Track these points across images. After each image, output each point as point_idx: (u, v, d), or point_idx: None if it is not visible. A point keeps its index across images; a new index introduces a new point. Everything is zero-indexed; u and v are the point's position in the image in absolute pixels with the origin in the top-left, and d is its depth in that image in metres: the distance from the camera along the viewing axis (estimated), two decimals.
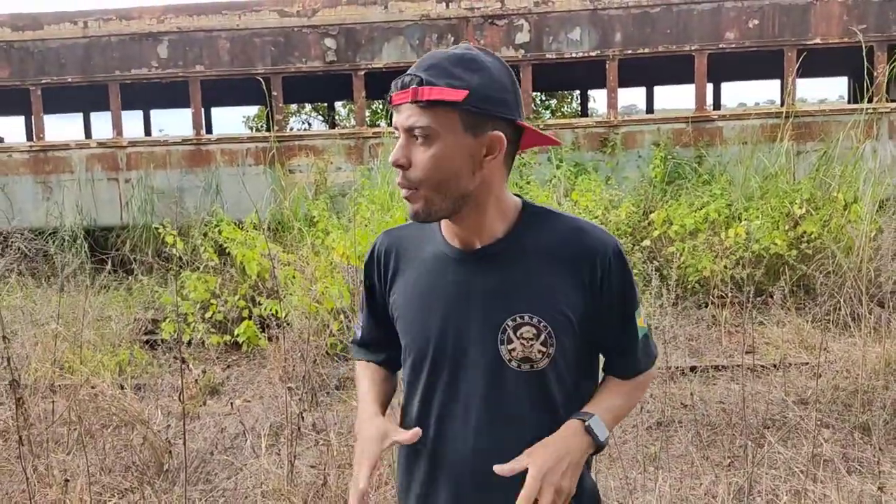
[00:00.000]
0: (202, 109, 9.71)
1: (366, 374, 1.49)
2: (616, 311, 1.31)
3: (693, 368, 4.92)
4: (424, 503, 1.35)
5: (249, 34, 9.14)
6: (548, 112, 17.66)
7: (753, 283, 5.96)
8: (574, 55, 8.96)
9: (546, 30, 8.96)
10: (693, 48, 8.77)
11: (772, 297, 5.01)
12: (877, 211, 6.45)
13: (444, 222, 1.30)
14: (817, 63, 10.76)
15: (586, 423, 1.25)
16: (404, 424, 1.39)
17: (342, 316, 4.95)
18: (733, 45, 8.80)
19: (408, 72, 1.19)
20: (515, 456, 1.23)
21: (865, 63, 8.22)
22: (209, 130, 12.44)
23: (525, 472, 1.20)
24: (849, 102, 12.69)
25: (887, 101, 9.11)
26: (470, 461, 1.28)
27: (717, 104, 14.49)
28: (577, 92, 16.75)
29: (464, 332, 1.27)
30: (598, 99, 19.27)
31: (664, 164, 8.33)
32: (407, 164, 1.20)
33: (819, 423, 3.88)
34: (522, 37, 8.99)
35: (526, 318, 1.24)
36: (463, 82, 1.16)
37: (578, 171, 8.45)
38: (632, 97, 65.40)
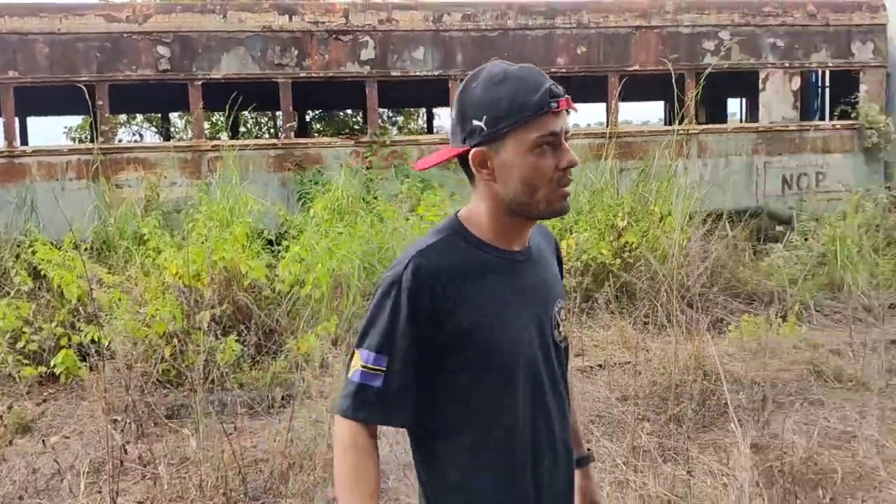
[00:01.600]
0: (16, 119, 8.80)
1: (367, 467, 1.27)
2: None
3: None
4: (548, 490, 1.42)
5: (72, 39, 8.43)
6: (395, 128, 17.90)
7: (582, 290, 6.39)
8: (418, 74, 9.16)
9: (391, 48, 9.08)
10: None
11: (597, 302, 5.39)
12: (687, 222, 7.16)
13: (496, 227, 1.37)
14: (638, 88, 11.79)
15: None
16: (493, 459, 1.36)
17: (175, 340, 4.67)
18: (564, 70, 9.42)
19: (548, 82, 1.32)
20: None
21: (676, 89, 9.13)
22: (24, 142, 11.30)
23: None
24: (665, 125, 14.00)
25: (697, 123, 10.17)
26: (560, 438, 1.44)
27: None
28: (424, 109, 17.15)
29: (540, 324, 1.40)
30: (443, 116, 19.81)
31: None
32: None
33: (638, 416, 4.21)
34: (368, 53, 9.04)
35: (560, 302, 1.47)
36: None
37: (425, 187, 8.62)
38: None
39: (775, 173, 10.03)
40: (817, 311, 6.92)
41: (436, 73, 9.13)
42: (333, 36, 8.98)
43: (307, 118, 17.18)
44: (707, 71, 8.96)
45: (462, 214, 1.40)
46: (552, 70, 9.32)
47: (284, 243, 6.68)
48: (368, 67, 9.02)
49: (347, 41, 8.99)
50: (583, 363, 5.08)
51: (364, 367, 1.28)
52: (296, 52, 8.88)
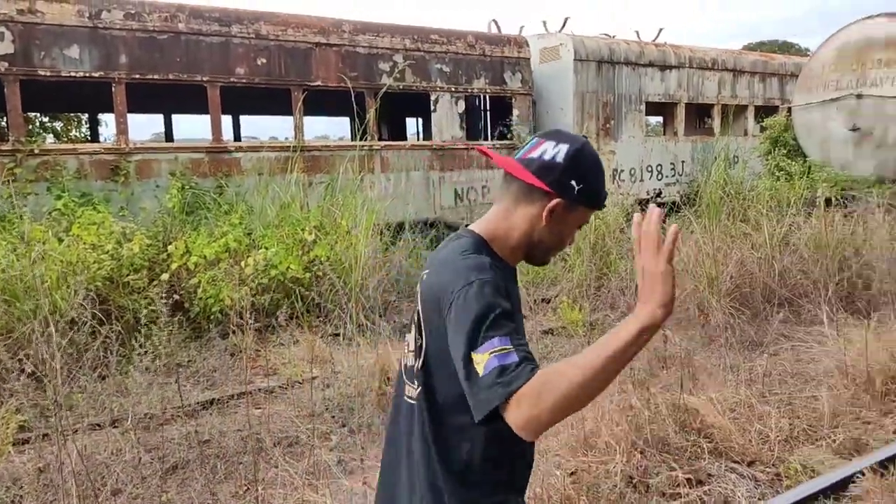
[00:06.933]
0: None
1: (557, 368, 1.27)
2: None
3: (212, 402, 4.81)
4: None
5: None
6: (51, 136, 15.51)
7: (272, 307, 6.19)
8: (74, 74, 8.03)
9: (36, 42, 7.81)
10: (205, 79, 8.77)
11: (277, 319, 5.20)
12: (371, 233, 7.40)
13: (515, 252, 1.56)
14: (323, 103, 12.00)
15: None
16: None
17: None
18: (245, 80, 9.10)
19: None
20: None
21: (356, 106, 9.45)
22: None
23: None
24: (352, 140, 14.47)
25: (379, 139, 10.66)
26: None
27: (237, 136, 14.92)
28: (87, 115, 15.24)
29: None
30: (110, 122, 17.85)
31: (182, 194, 8.08)
32: None
33: (313, 432, 4.16)
34: (5, 47, 7.65)
35: None
36: None
37: (86, 202, 7.57)
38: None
39: (449, 187, 11.01)
40: None
41: (96, 74, 8.11)
42: None
43: None
44: (383, 90, 9.44)
45: (485, 234, 1.54)
46: (232, 80, 8.96)
47: None
48: (7, 64, 7.64)
49: None
50: (269, 384, 4.88)
51: (493, 352, 1.27)
52: None
